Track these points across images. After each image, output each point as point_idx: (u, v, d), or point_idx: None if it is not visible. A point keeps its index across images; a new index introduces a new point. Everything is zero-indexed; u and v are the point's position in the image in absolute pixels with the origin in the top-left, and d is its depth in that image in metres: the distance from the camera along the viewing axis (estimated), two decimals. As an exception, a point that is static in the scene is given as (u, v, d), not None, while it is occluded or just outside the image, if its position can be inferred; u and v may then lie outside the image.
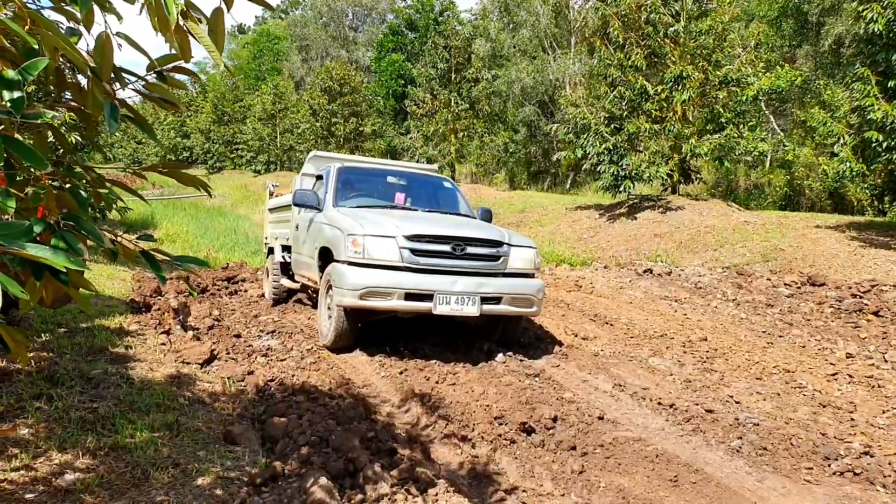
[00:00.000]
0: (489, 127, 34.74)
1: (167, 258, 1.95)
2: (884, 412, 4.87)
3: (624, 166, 16.27)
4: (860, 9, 11.04)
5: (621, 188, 16.56)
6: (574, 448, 4.00)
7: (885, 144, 10.24)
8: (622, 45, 17.06)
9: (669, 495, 3.47)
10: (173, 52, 1.92)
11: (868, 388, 5.40)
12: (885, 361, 6.00)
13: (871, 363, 6.00)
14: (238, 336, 6.33)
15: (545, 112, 34.08)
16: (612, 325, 7.35)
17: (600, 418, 4.46)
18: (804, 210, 19.97)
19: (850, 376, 5.67)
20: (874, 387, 5.40)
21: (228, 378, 4.76)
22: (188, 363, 5.04)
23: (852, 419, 4.72)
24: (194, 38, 1.82)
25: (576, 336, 6.87)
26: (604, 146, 16.60)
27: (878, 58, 10.94)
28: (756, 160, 22.15)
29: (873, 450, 4.10)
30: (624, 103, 16.85)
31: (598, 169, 17.06)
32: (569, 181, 32.57)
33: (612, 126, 16.93)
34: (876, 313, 7.41)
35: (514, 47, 37.07)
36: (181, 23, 1.74)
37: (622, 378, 5.47)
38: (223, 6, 1.87)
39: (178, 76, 2.03)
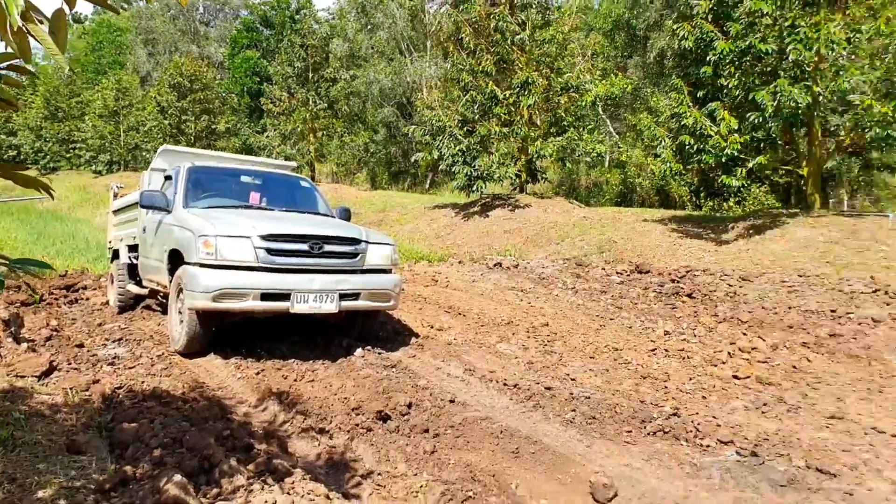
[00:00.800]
0: (349, 127, 34.65)
1: (5, 262, 1.87)
2: (690, 379, 5.65)
3: (476, 167, 17.04)
4: (674, 27, 12.49)
5: (474, 188, 17.34)
6: (427, 431, 4.25)
7: (695, 147, 11.67)
8: (474, 51, 17.81)
9: (511, 466, 3.83)
10: (9, 51, 1.86)
11: (679, 360, 6.22)
12: (694, 336, 6.92)
13: (684, 338, 6.89)
14: (81, 346, 5.91)
15: (404, 113, 34.58)
16: (464, 315, 7.77)
17: (451, 401, 4.76)
18: (636, 206, 22.05)
19: (667, 351, 6.47)
20: (684, 358, 6.23)
21: (71, 388, 4.47)
22: (23, 376, 4.66)
23: (666, 387, 5.43)
24: (35, 39, 1.78)
25: (431, 327, 7.19)
26: (458, 148, 17.28)
27: (690, 71, 12.45)
28: (595, 161, 24.05)
29: (680, 411, 4.77)
30: (476, 107, 17.64)
31: (452, 170, 17.71)
32: (428, 181, 33.29)
33: (466, 128, 17.66)
34: (689, 295, 8.48)
35: (372, 48, 37.25)
36: (21, 24, 1.71)
37: (472, 363, 5.84)
38: (65, 7, 1.84)
39: (13, 74, 1.98)
